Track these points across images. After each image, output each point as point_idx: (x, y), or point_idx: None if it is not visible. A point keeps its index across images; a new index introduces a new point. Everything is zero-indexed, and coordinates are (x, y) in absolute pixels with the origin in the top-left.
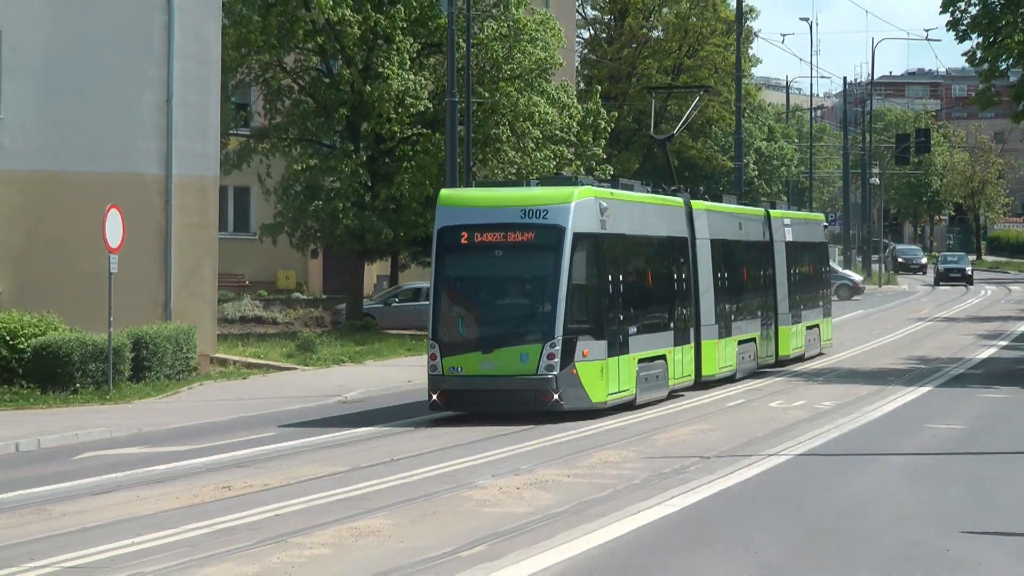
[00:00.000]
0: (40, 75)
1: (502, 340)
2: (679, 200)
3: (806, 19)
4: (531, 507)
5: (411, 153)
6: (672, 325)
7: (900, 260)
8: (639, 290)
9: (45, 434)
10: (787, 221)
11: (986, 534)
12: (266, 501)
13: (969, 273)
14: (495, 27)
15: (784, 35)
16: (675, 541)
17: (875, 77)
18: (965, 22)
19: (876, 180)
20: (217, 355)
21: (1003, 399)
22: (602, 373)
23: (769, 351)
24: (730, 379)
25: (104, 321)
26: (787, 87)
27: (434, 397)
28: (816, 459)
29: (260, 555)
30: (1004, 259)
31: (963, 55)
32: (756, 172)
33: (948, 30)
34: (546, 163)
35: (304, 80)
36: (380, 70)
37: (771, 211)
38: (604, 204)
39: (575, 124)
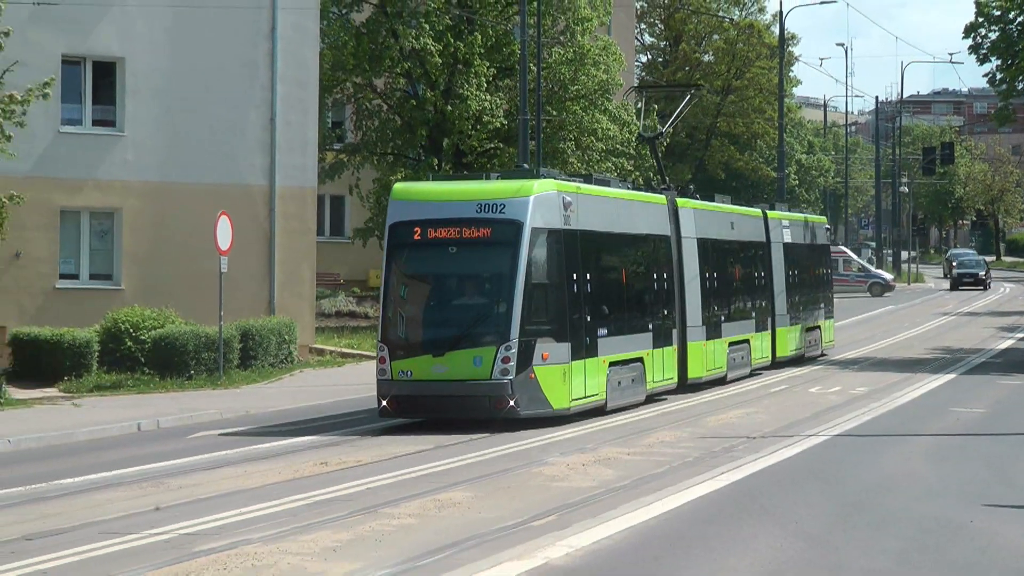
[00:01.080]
0: (159, 97)
1: (455, 342)
2: (661, 197)
3: (842, 44)
4: (595, 482)
5: (488, 165)
6: (651, 326)
7: (956, 273)
8: (611, 290)
9: (163, 416)
10: (786, 223)
11: (1005, 507)
12: (358, 476)
13: (983, 277)
14: (562, 52)
15: (822, 59)
16: (724, 513)
17: (904, 96)
18: (985, 46)
19: (905, 188)
20: (315, 346)
21: (1021, 386)
22: (565, 377)
23: (765, 353)
24: (720, 381)
25: (215, 315)
26: (824, 105)
27: (383, 403)
28: (851, 439)
29: (353, 524)
30: (1021, 259)
31: (984, 76)
32: (796, 181)
33: (970, 53)
34: (608, 174)
35: (392, 100)
36: (460, 91)
37: (768, 212)
38: (568, 198)
39: (634, 139)
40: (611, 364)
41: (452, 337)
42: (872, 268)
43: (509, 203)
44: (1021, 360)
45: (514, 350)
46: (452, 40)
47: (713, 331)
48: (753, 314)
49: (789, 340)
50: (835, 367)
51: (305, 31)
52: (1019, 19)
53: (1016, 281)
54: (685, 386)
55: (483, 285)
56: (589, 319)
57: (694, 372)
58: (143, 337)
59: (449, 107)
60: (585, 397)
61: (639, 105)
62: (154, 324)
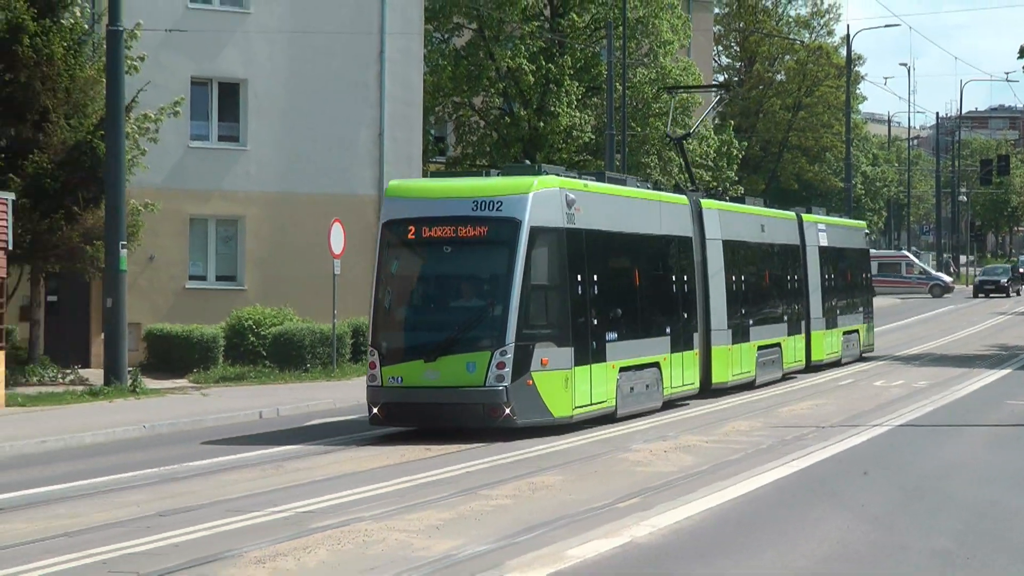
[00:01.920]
0: (278, 115)
1: (447, 347)
2: (682, 198)
3: (904, 64)
4: (676, 467)
5: None
6: (669, 330)
7: (978, 280)
8: (623, 292)
9: (282, 404)
10: (821, 226)
11: None
12: (459, 460)
13: (1005, 284)
14: (645, 73)
15: (886, 78)
16: (795, 497)
17: (963, 112)
18: None
19: (964, 198)
20: None
21: None
22: (567, 384)
23: (799, 356)
24: (749, 385)
25: (329, 313)
26: (888, 121)
27: (374, 411)
28: (913, 429)
29: (454, 504)
30: None
31: None
32: (863, 191)
33: None
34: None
35: (489, 117)
36: (552, 109)
37: (803, 215)
38: (572, 196)
39: (712, 152)
40: (622, 369)
41: (444, 341)
42: (933, 271)
43: (507, 200)
44: None
45: (510, 355)
46: (544, 62)
47: (740, 334)
48: (785, 317)
49: (825, 344)
50: (899, 362)
51: (410, 54)
52: None
53: None
54: (709, 391)
55: (478, 286)
56: (596, 323)
57: (719, 377)
58: (264, 333)
59: (541, 123)
60: (591, 404)
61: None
62: (274, 321)
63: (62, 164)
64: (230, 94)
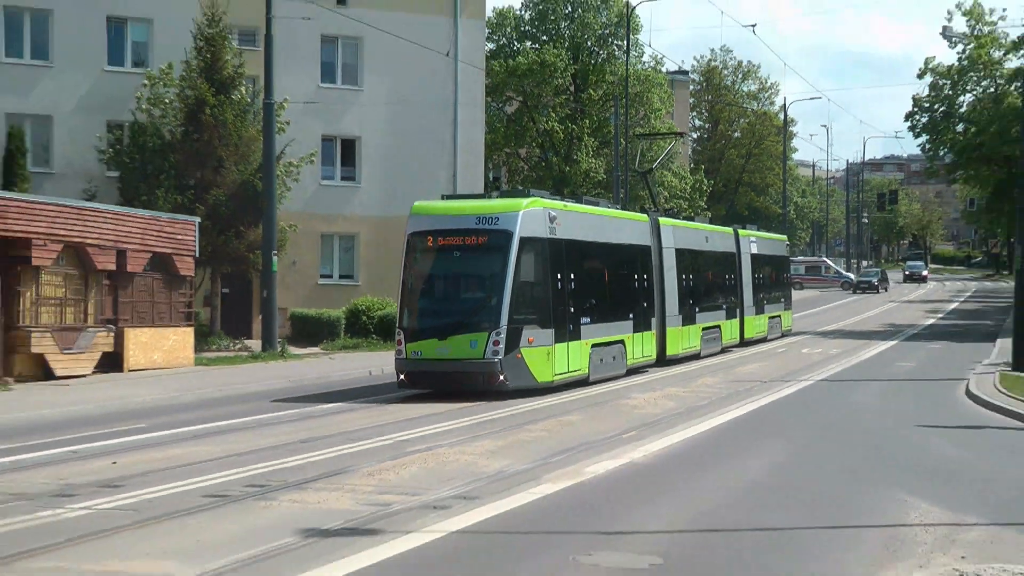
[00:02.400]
0: (382, 162)
1: (455, 328)
2: (643, 216)
3: (824, 125)
4: (662, 409)
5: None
6: (631, 316)
7: (907, 272)
8: (594, 287)
9: (385, 366)
10: (753, 238)
11: (929, 427)
12: (507, 406)
13: (876, 284)
14: (641, 130)
15: (812, 135)
16: (748, 430)
17: (865, 159)
18: (918, 128)
19: (865, 220)
20: None
21: (940, 347)
22: (548, 357)
23: (735, 335)
24: (695, 357)
25: None
26: (813, 166)
27: (401, 377)
28: (830, 383)
29: (505, 436)
30: (942, 266)
31: (918, 146)
32: (795, 215)
33: (908, 131)
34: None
35: (530, 163)
36: (575, 157)
37: (740, 230)
38: (553, 214)
39: (688, 187)
40: (594, 345)
41: (453, 324)
42: (844, 272)
43: (502, 216)
44: (940, 332)
45: (503, 335)
46: (569, 124)
47: (688, 319)
48: (724, 306)
49: (755, 325)
50: (819, 336)
51: (475, 119)
52: (940, 109)
53: (938, 281)
54: (664, 361)
55: (480, 282)
56: (573, 310)
57: (671, 350)
58: (372, 315)
59: (568, 168)
60: (568, 372)
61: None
62: (379, 307)
63: (232, 197)
64: (349, 147)
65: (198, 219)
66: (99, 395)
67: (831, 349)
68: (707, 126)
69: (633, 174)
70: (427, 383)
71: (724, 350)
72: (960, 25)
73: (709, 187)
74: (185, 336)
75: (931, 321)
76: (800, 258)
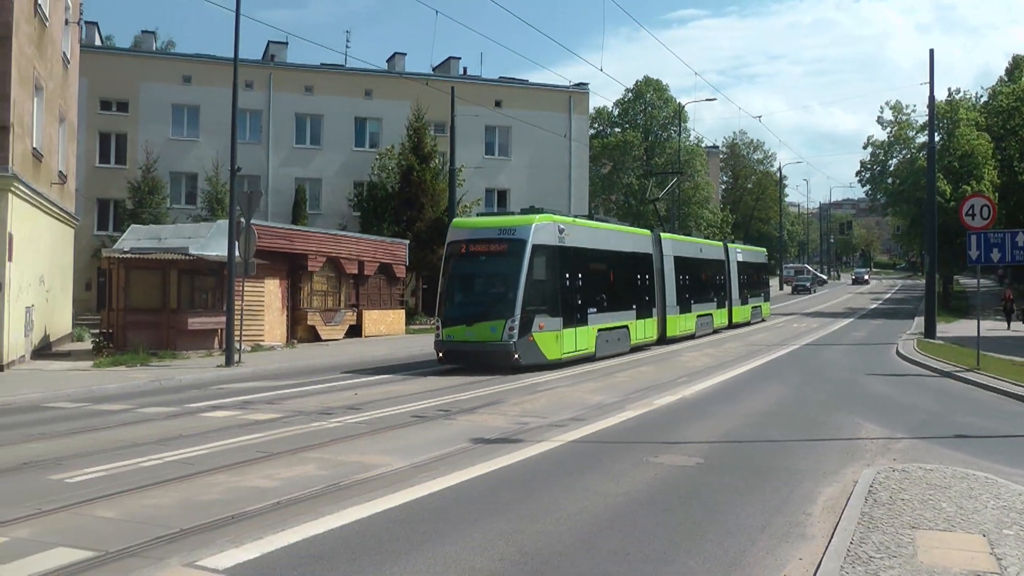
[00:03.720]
0: (522, 203)
1: (479, 317)
2: (646, 231)
3: (806, 180)
4: (703, 364)
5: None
6: (634, 307)
7: (854, 277)
8: (600, 284)
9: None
10: (739, 250)
11: (873, 375)
12: (603, 364)
13: (808, 287)
14: (689, 185)
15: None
16: (758, 376)
17: (831, 200)
18: (864, 180)
19: (832, 240)
20: None
21: (879, 324)
22: (557, 340)
23: (724, 321)
24: (691, 337)
25: None
26: (799, 206)
27: (439, 355)
28: (810, 346)
29: (602, 380)
30: (880, 270)
31: (864, 192)
32: (787, 238)
33: (858, 182)
34: (707, 237)
35: (618, 204)
36: (646, 200)
37: (729, 244)
38: (562, 227)
39: (719, 220)
40: (600, 330)
41: (478, 313)
42: (819, 274)
43: (518, 228)
44: (879, 313)
45: (517, 322)
46: (643, 180)
47: (685, 309)
48: (715, 299)
49: (740, 313)
50: (805, 316)
51: (582, 176)
52: (877, 168)
53: (877, 279)
54: (666, 341)
55: (499, 280)
56: (580, 302)
57: (671, 332)
58: None
59: (641, 207)
60: (576, 351)
61: (660, 191)
62: None
63: (428, 227)
64: (503, 195)
65: (408, 241)
66: (348, 351)
67: (811, 325)
68: (731, 181)
69: (661, 204)
70: (457, 360)
71: (716, 331)
72: (889, 115)
73: (732, 220)
74: (400, 315)
75: (874, 306)
76: (791, 264)
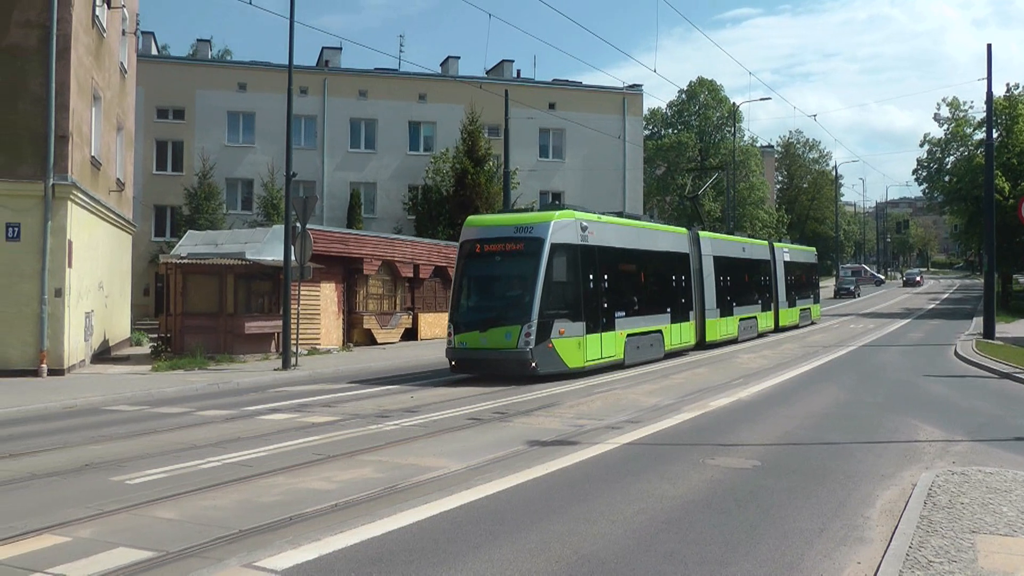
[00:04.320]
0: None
1: (494, 322)
2: (681, 229)
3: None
4: (759, 365)
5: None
6: (669, 309)
7: (905, 279)
8: (630, 286)
9: None
10: (786, 249)
11: (931, 376)
12: (660, 367)
13: (852, 290)
14: (744, 185)
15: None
16: (815, 379)
17: (887, 199)
18: (921, 179)
19: (889, 239)
20: None
21: (937, 324)
22: (579, 346)
23: (770, 324)
24: (733, 342)
25: None
26: (854, 205)
27: (452, 363)
28: (867, 347)
29: (658, 382)
30: (938, 270)
31: (921, 191)
32: (843, 238)
33: (915, 181)
34: (762, 237)
35: (673, 206)
36: (702, 202)
37: (775, 243)
38: (585, 224)
39: (774, 220)
40: (629, 335)
41: (492, 318)
42: (876, 274)
43: (536, 226)
44: (940, 312)
45: (534, 328)
46: (697, 180)
47: (726, 312)
48: (759, 301)
49: (788, 316)
50: (862, 317)
51: (637, 177)
52: (934, 167)
53: (934, 279)
54: (705, 346)
55: (515, 282)
56: (606, 306)
57: (710, 337)
58: None
59: (696, 209)
60: (602, 358)
61: (703, 189)
62: None
63: None
64: (557, 197)
65: None
66: (403, 354)
67: (868, 326)
68: (786, 180)
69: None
70: (471, 368)
71: (761, 335)
72: (946, 112)
73: (788, 220)
74: None
75: (932, 306)
76: (848, 265)
